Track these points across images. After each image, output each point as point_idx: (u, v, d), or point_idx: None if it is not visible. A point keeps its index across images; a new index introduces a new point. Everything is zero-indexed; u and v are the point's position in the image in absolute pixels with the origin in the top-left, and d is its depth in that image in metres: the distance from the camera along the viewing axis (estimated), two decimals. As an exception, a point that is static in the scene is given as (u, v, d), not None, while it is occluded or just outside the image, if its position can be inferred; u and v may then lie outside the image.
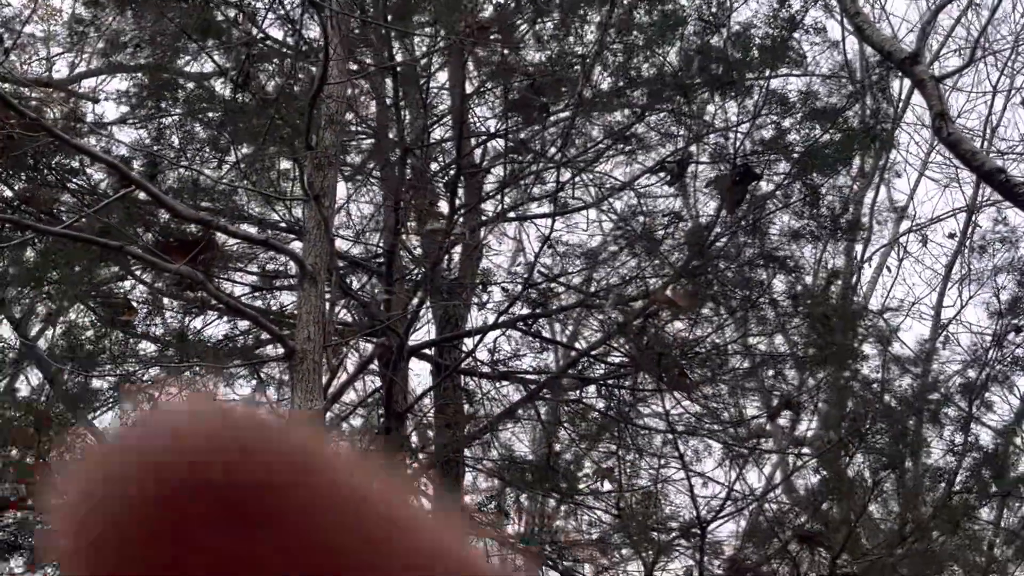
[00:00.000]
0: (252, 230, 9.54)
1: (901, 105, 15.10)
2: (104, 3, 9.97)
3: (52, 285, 9.18)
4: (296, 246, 7.60)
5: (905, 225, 16.70)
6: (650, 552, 7.58)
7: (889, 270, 16.26)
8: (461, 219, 9.60)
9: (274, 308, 10.53)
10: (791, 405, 8.86)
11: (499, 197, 10.01)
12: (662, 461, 8.84)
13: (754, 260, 9.77)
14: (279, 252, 7.85)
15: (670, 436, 9.44)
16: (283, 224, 9.89)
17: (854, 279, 13.40)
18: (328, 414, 6.60)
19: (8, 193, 9.23)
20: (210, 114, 10.09)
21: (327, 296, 6.78)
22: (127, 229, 8.31)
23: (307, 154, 6.93)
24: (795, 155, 9.60)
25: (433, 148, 10.06)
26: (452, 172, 9.37)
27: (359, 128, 11.04)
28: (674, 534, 8.11)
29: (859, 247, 14.41)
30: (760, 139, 9.65)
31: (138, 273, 9.82)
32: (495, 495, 10.90)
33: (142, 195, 9.21)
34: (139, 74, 10.90)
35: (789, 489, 10.43)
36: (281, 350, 7.22)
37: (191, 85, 10.50)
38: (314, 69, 7.21)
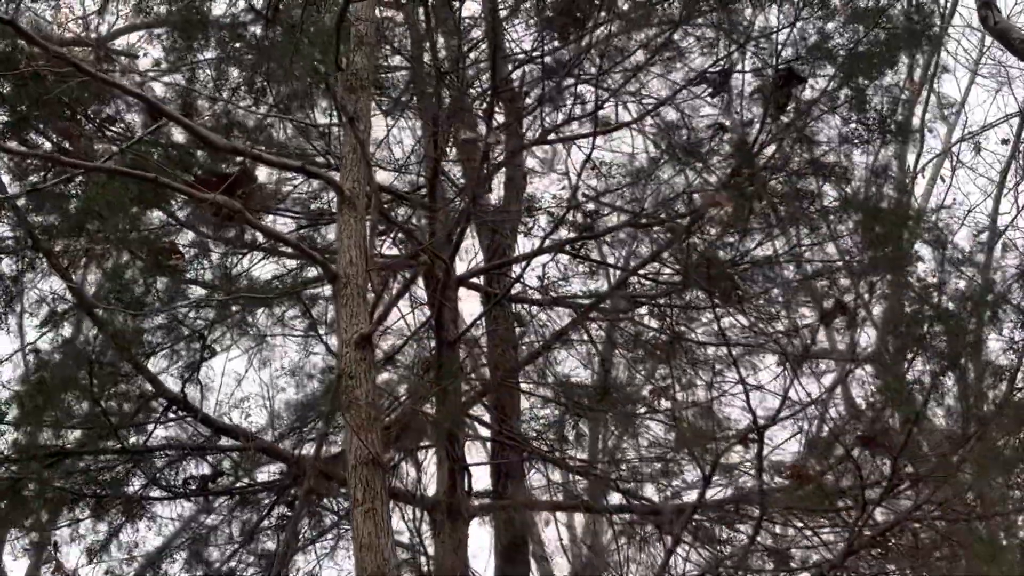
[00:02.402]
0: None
1: (949, 6, 14.70)
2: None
3: (95, 231, 9.17)
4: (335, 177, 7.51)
5: (958, 134, 16.34)
6: (707, 460, 7.48)
7: (943, 180, 15.95)
8: (500, 140, 9.46)
9: (320, 245, 10.49)
10: (844, 309, 8.69)
11: (538, 119, 9.85)
12: (716, 375, 8.70)
13: (802, 169, 9.57)
14: (316, 178, 7.78)
15: (724, 349, 9.33)
16: (321, 160, 9.82)
17: (908, 184, 13.10)
18: (376, 338, 6.52)
19: (48, 145, 9.26)
20: (244, 56, 10.03)
21: (367, 219, 6.69)
22: (165, 170, 8.28)
23: (338, 76, 6.82)
24: (839, 58, 9.36)
25: (468, 72, 9.89)
26: (489, 96, 9.24)
27: (393, 57, 10.91)
28: (731, 440, 8.00)
29: (911, 158, 14.14)
30: (803, 44, 9.42)
31: (181, 216, 9.84)
32: (553, 421, 10.86)
33: (177, 135, 9.26)
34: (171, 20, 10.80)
35: (847, 398, 10.28)
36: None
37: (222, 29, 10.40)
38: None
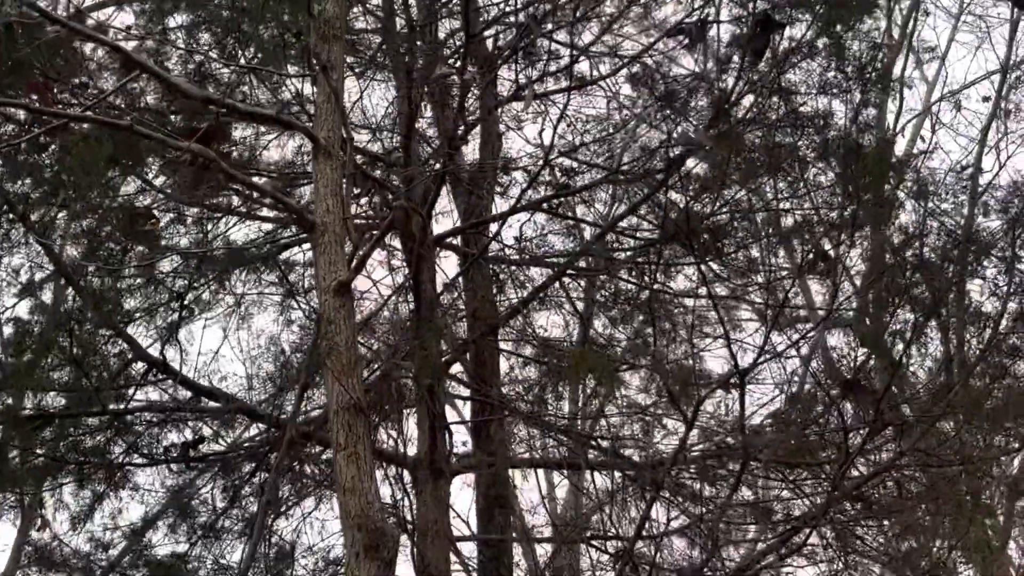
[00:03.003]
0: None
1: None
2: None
3: (71, 196, 9.09)
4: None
5: (938, 92, 16.32)
6: (690, 406, 7.46)
7: (923, 139, 15.91)
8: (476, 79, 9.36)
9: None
10: (825, 257, 8.68)
11: (512, 75, 9.78)
12: (696, 327, 8.69)
13: (781, 121, 9.52)
14: (290, 128, 7.71)
15: (703, 303, 9.32)
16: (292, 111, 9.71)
17: (887, 131, 13.06)
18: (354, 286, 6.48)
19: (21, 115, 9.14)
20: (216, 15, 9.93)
21: (343, 168, 6.63)
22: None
23: (310, 25, 6.75)
24: (817, 5, 9.30)
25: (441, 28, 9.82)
26: (462, 51, 9.16)
27: (366, 17, 10.84)
28: (713, 386, 7.99)
29: (891, 117, 14.10)
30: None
31: (156, 183, 9.76)
32: (534, 383, 10.84)
33: (150, 97, 9.17)
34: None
35: (825, 352, 10.28)
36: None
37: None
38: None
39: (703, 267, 8.92)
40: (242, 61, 9.55)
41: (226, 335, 10.45)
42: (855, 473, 8.17)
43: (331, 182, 6.55)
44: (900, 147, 15.16)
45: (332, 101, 6.71)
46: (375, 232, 8.12)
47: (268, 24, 8.28)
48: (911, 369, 9.79)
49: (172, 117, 9.12)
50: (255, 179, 9.60)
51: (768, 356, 7.47)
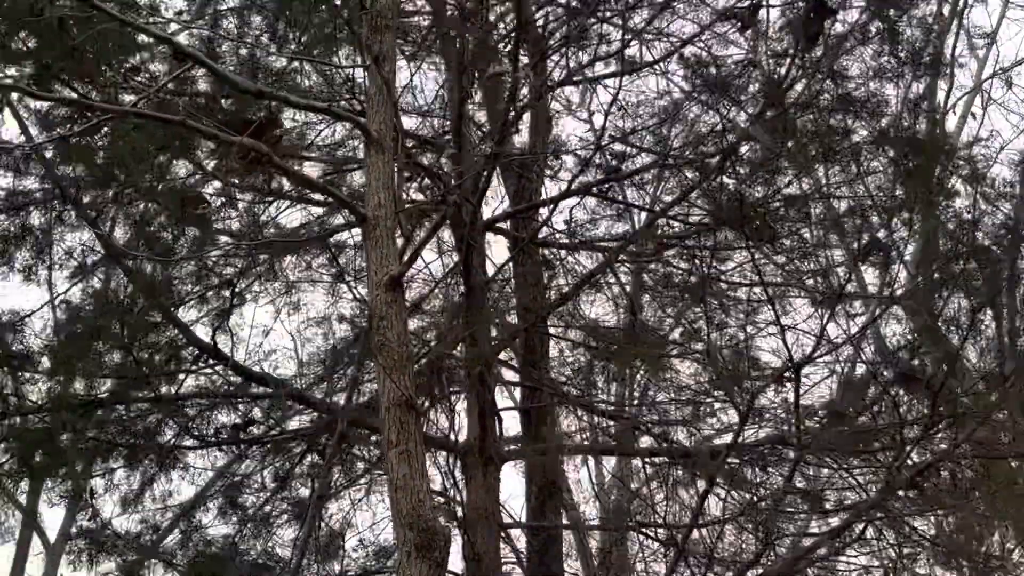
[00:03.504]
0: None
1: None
2: None
3: (123, 182, 9.15)
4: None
5: (989, 70, 16.04)
6: (743, 400, 7.40)
7: (974, 116, 15.66)
8: (526, 82, 9.32)
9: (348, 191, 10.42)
10: (880, 246, 8.57)
11: (563, 60, 9.71)
12: (751, 312, 8.61)
13: (834, 105, 9.41)
14: (342, 119, 7.70)
15: (756, 290, 9.22)
16: (345, 104, 9.70)
17: (939, 117, 12.86)
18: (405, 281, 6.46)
19: (73, 95, 9.19)
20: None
21: (395, 161, 6.60)
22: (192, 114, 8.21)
23: (362, 16, 6.72)
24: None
25: (492, 13, 9.74)
26: (513, 37, 9.09)
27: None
28: (767, 380, 7.92)
29: (941, 95, 13.89)
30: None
31: (208, 167, 9.78)
32: (582, 366, 10.81)
33: (202, 84, 9.18)
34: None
35: (878, 340, 10.17)
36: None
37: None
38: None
39: (755, 253, 8.84)
40: (293, 46, 9.58)
41: (277, 318, 10.46)
42: (909, 462, 8.08)
43: (383, 174, 6.51)
44: (950, 124, 14.97)
45: (384, 92, 6.68)
46: (427, 222, 8.11)
47: (319, 12, 8.24)
48: (966, 358, 9.69)
49: (224, 101, 9.14)
50: (306, 167, 9.63)
51: (823, 350, 7.37)
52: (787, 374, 7.42)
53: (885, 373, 8.23)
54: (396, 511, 5.51)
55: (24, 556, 12.91)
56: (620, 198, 10.49)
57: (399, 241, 6.46)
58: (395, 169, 6.59)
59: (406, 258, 6.29)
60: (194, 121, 6.19)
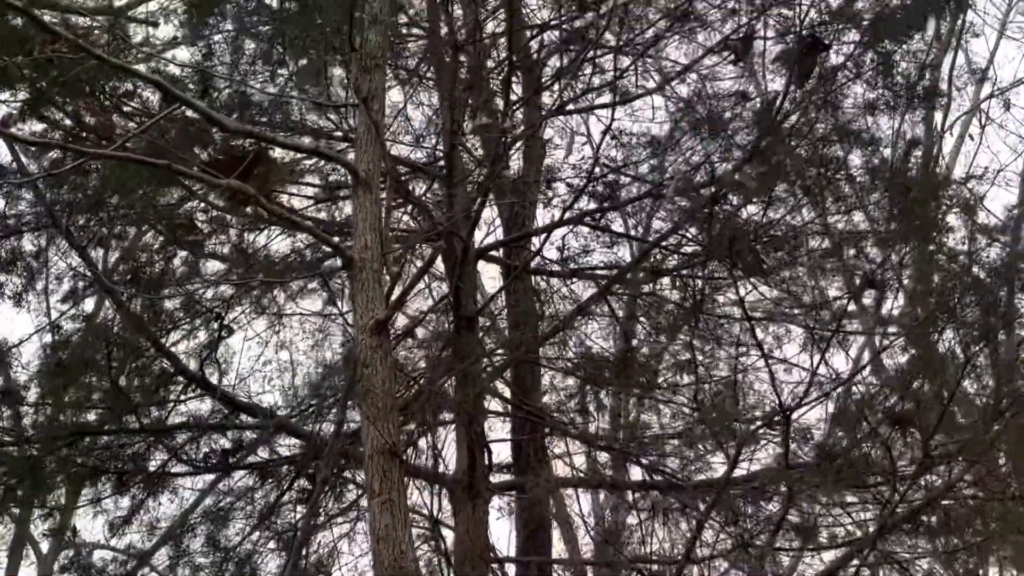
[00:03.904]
0: (306, 141, 9.34)
1: (975, -35, 14.31)
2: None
3: (113, 209, 9.13)
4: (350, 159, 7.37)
5: (986, 90, 15.99)
6: (732, 444, 7.35)
7: (972, 138, 15.61)
8: (518, 113, 9.30)
9: (339, 219, 10.38)
10: (874, 283, 8.52)
11: (556, 89, 9.66)
12: (741, 350, 8.54)
13: (828, 136, 9.36)
14: (329, 160, 7.66)
15: (747, 324, 9.17)
16: (339, 133, 9.67)
17: (935, 149, 12.83)
18: (392, 321, 6.42)
19: (67, 122, 9.17)
20: (260, 27, 9.89)
21: (383, 201, 6.56)
22: (183, 148, 8.19)
23: (352, 56, 6.68)
24: (864, 23, 9.14)
25: (485, 43, 9.69)
26: (506, 67, 9.06)
27: (411, 28, 10.75)
28: (757, 423, 7.86)
29: (939, 116, 13.84)
30: (827, 8, 9.18)
31: (200, 192, 9.74)
32: (574, 394, 10.75)
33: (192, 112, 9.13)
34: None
35: (878, 371, 10.11)
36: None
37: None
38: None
39: (744, 288, 8.81)
40: (287, 70, 9.54)
41: (264, 350, 10.42)
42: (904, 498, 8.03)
43: (370, 215, 6.48)
44: (948, 145, 14.93)
45: (372, 132, 6.64)
46: (417, 261, 8.07)
47: (311, 41, 8.20)
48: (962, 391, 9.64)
49: (214, 130, 9.09)
50: (301, 192, 9.59)
51: (814, 396, 7.32)
52: (776, 418, 7.35)
53: (878, 411, 8.15)
54: (378, 562, 5.47)
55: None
56: (613, 227, 10.45)
57: (386, 281, 6.42)
58: (383, 210, 6.55)
59: (392, 301, 6.24)
60: (183, 156, 6.17)
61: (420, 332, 9.93)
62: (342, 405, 6.43)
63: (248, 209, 8.29)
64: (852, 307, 10.35)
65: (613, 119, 9.33)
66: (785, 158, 8.91)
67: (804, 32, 8.62)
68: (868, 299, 9.41)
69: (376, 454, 5.72)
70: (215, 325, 8.95)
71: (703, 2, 9.52)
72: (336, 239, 7.45)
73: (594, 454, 10.54)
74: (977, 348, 8.50)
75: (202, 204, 9.75)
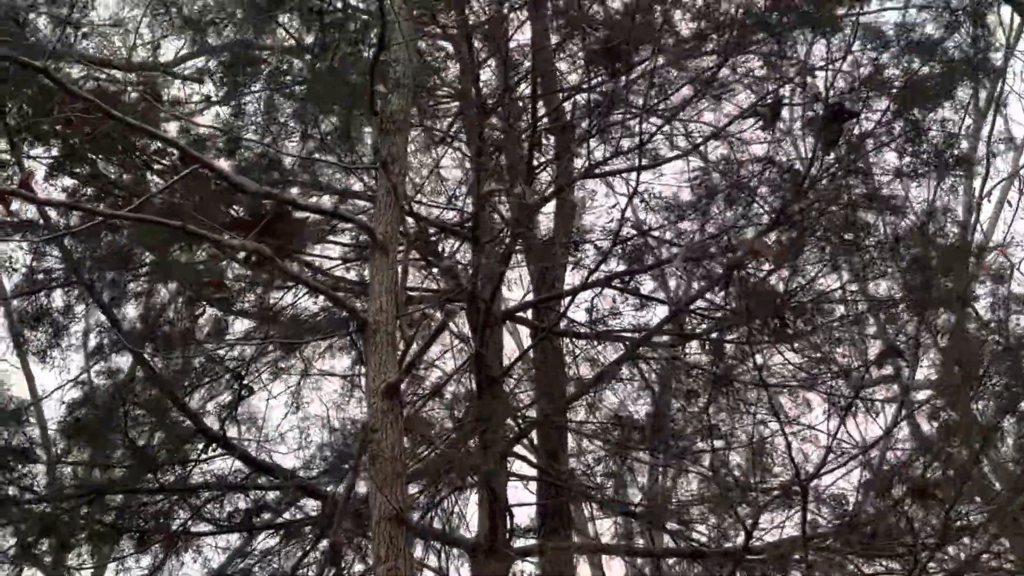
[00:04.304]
0: (328, 201, 9.42)
1: (1013, 34, 14.26)
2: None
3: (139, 267, 9.22)
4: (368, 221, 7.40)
5: (1024, 158, 15.85)
6: (748, 516, 7.27)
7: (1010, 204, 15.47)
8: (546, 174, 9.32)
9: (367, 279, 10.41)
10: (897, 352, 8.43)
11: (586, 152, 9.69)
12: (762, 416, 8.47)
13: (855, 202, 9.31)
14: (347, 222, 7.70)
15: (766, 391, 9.08)
16: (369, 193, 9.72)
17: (972, 216, 12.72)
18: (405, 383, 6.41)
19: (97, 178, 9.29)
20: (292, 88, 10.01)
21: (399, 264, 6.58)
22: (209, 207, 8.25)
23: (373, 120, 6.73)
24: (894, 90, 9.12)
25: (516, 105, 9.75)
26: (531, 131, 9.10)
27: (443, 90, 10.82)
28: (774, 494, 7.77)
29: (978, 182, 13.74)
30: (856, 76, 9.17)
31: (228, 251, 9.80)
32: (601, 458, 10.66)
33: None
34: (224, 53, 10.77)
35: (915, 435, 9.99)
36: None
37: (271, 58, 10.37)
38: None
39: (769, 351, 8.75)
40: (317, 130, 9.62)
41: (286, 414, 10.41)
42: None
43: (387, 278, 6.49)
44: (986, 211, 14.79)
45: (392, 195, 6.67)
46: (433, 319, 8.05)
47: (333, 111, 8.29)
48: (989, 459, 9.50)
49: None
50: (324, 261, 9.63)
51: (833, 465, 7.24)
52: (794, 488, 7.26)
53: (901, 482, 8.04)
54: (383, 629, 5.42)
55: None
56: (642, 290, 10.41)
57: (400, 345, 6.42)
58: (399, 273, 6.57)
59: (405, 364, 6.22)
60: (199, 219, 6.22)
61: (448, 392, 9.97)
62: (354, 470, 6.39)
63: (267, 270, 8.32)
64: (883, 373, 10.28)
65: (639, 182, 9.32)
66: (811, 224, 8.88)
67: (831, 99, 8.59)
68: (891, 367, 9.30)
69: (383, 520, 5.68)
70: (235, 385, 8.98)
71: (730, 70, 9.53)
72: (356, 301, 7.47)
73: (620, 520, 10.44)
74: (1001, 418, 8.40)
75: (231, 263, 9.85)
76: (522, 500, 9.89)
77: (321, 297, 10.25)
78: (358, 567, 9.95)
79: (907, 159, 9.19)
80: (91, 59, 10.56)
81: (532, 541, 9.61)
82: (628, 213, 9.59)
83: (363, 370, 10.53)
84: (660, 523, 9.71)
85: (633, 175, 9.67)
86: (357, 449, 6.45)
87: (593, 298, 10.21)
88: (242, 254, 7.54)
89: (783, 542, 8.79)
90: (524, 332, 12.06)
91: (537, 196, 8.83)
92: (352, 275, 10.57)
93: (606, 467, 10.58)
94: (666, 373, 10.61)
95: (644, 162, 9.50)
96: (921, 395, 9.89)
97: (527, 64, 10.17)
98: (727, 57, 9.32)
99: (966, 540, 8.05)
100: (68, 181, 9.50)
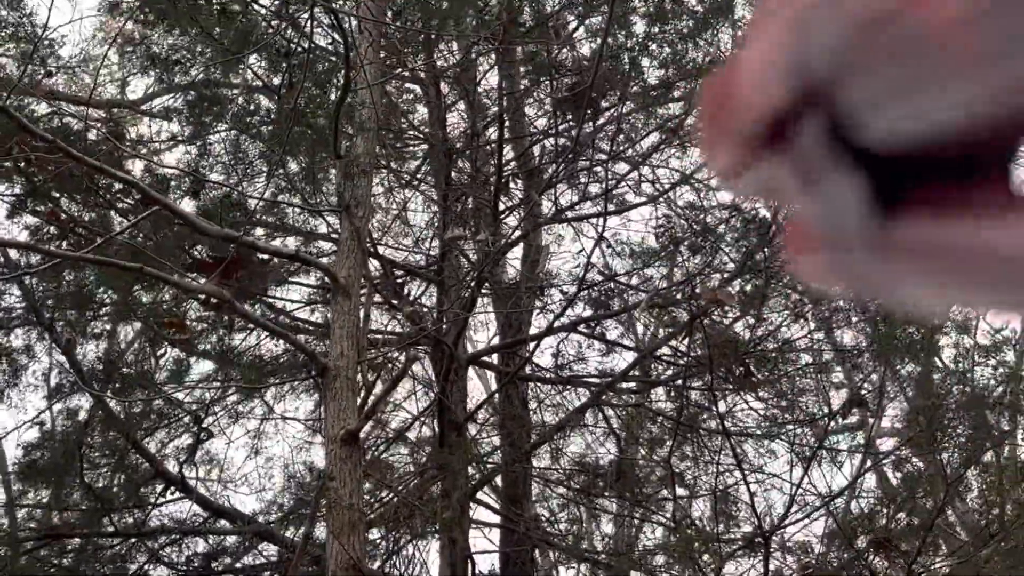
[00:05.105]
0: (293, 242, 9.35)
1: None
2: (145, 20, 9.83)
3: (99, 307, 9.10)
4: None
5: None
6: (712, 565, 7.20)
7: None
8: (512, 219, 9.29)
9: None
10: (861, 402, 8.41)
11: (553, 197, 9.68)
12: (723, 466, 8.43)
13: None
14: (309, 265, 7.62)
15: (728, 440, 9.05)
16: (334, 236, 9.67)
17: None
18: (365, 430, 6.32)
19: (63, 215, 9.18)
20: (259, 128, 9.95)
21: (361, 309, 6.51)
22: (170, 249, 8.18)
23: (337, 164, 6.68)
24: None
25: (481, 150, 9.74)
26: (497, 175, 9.08)
27: (409, 133, 10.80)
28: (736, 546, 7.71)
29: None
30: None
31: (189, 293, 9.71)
32: (565, 505, 10.59)
33: (185, 206, 9.14)
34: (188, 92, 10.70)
35: (880, 485, 9.97)
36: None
37: (236, 97, 10.30)
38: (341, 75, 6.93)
39: (731, 400, 8.73)
40: (283, 170, 9.56)
41: (246, 459, 10.30)
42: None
43: (348, 323, 6.42)
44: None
45: (354, 239, 6.61)
46: (395, 364, 7.99)
47: (298, 154, 8.23)
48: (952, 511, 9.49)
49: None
50: (288, 304, 9.55)
51: (797, 515, 7.19)
52: (757, 540, 7.21)
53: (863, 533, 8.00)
54: None
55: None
56: (608, 335, 10.38)
57: (361, 391, 6.34)
58: (361, 317, 6.50)
59: (365, 412, 6.14)
60: (158, 260, 6.13)
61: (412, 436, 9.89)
62: (311, 517, 6.27)
63: (226, 312, 8.23)
64: (848, 422, 10.26)
65: (605, 227, 9.31)
66: (777, 272, 8.88)
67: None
68: (856, 416, 9.29)
69: (340, 570, 5.58)
70: (195, 428, 8.85)
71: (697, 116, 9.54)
72: (319, 345, 7.39)
73: (583, 569, 10.34)
74: (964, 470, 8.38)
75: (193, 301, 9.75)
76: (484, 548, 9.83)
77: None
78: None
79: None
80: (58, 95, 10.51)
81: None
82: (595, 258, 9.60)
83: (311, 419, 10.52)
84: (623, 572, 9.62)
85: (600, 220, 9.70)
86: (314, 497, 6.35)
87: (559, 343, 10.20)
88: (202, 296, 7.50)
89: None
90: (492, 376, 11.99)
91: (503, 240, 8.77)
92: (317, 317, 10.52)
93: (570, 514, 10.53)
94: (631, 420, 10.57)
95: (611, 208, 9.51)
96: (886, 445, 9.90)
97: (494, 109, 10.19)
98: (694, 104, 9.33)
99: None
100: (30, 219, 9.43)
